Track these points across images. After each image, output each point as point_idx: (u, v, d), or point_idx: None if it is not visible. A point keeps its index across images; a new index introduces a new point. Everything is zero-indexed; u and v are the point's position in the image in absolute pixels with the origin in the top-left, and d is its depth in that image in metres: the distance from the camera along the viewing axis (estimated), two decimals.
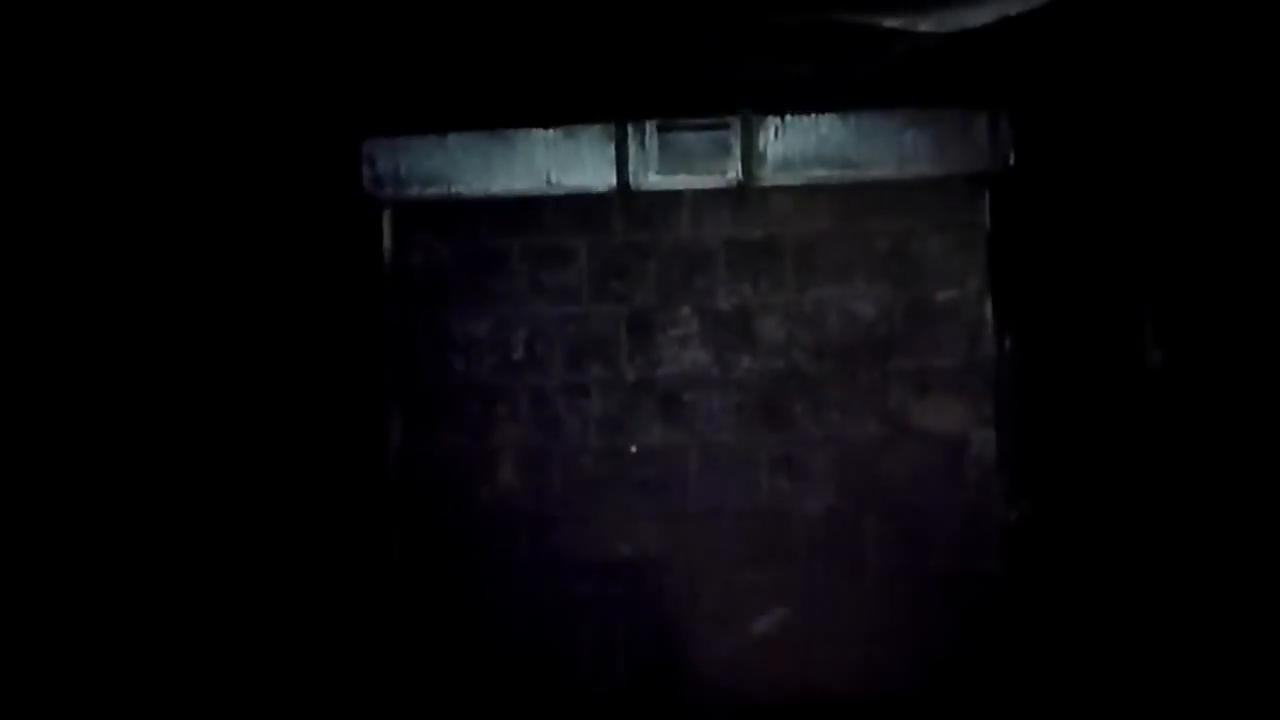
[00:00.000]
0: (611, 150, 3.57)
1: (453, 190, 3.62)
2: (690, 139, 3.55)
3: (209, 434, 3.42)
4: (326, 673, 3.51)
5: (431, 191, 3.63)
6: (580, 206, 3.64)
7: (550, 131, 3.59)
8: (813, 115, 3.52)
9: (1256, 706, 3.02)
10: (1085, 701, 3.37)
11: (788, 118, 3.53)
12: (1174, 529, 3.31)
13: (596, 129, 3.58)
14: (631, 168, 3.57)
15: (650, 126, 3.56)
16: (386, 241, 3.69)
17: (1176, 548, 3.31)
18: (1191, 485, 3.27)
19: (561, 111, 3.58)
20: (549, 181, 3.60)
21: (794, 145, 3.53)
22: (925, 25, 3.44)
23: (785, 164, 3.53)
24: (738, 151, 3.54)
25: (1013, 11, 3.44)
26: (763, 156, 3.53)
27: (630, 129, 3.57)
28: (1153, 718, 3.22)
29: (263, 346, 3.52)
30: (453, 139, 3.62)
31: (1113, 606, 3.42)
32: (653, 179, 3.57)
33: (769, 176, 3.54)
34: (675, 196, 3.61)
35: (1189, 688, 3.19)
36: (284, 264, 3.60)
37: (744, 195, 3.58)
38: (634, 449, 3.62)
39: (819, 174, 3.53)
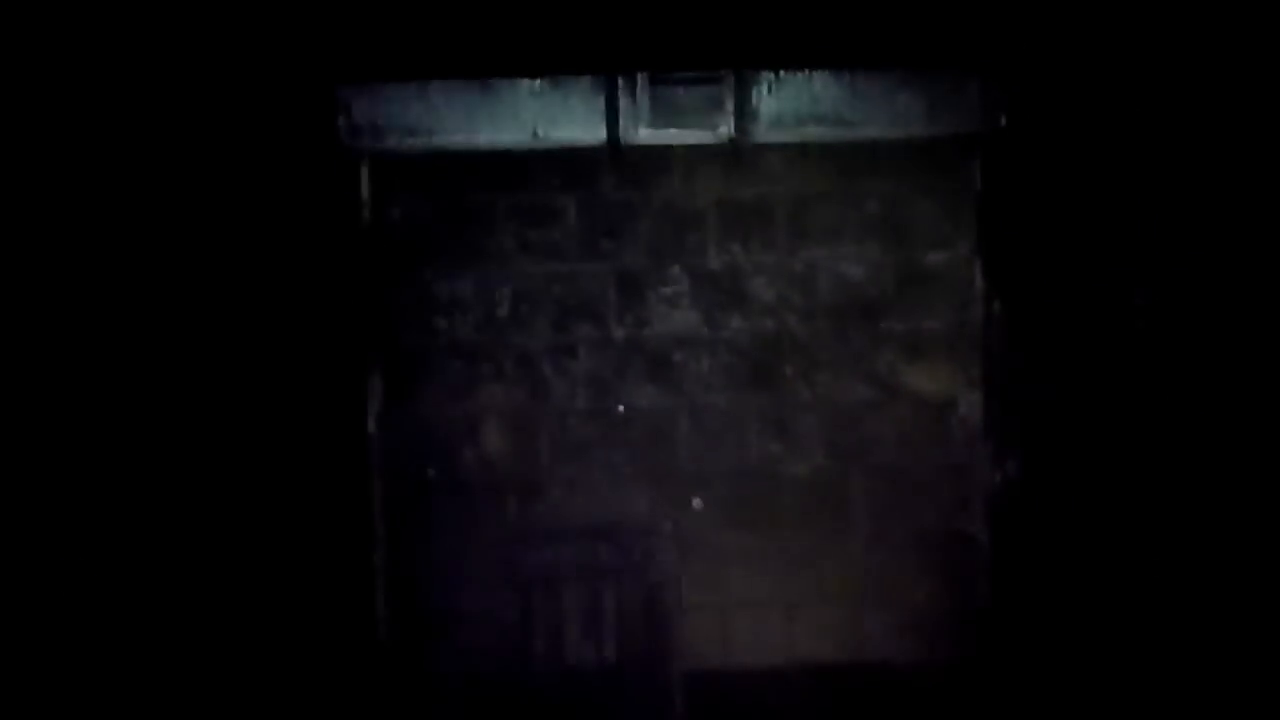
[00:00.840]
0: (601, 103, 3.47)
1: (434, 142, 3.49)
2: (682, 93, 3.47)
3: (177, 399, 3.28)
4: (304, 639, 3.41)
5: (412, 143, 3.49)
6: (568, 161, 3.54)
7: (537, 82, 3.48)
8: (807, 72, 3.46)
9: (1242, 671, 3.09)
10: (1070, 661, 3.42)
11: (782, 74, 3.46)
12: (1160, 493, 3.36)
13: (586, 81, 3.47)
14: (622, 122, 3.47)
15: (642, 79, 3.46)
16: (364, 195, 3.55)
17: (1162, 511, 3.37)
18: (1177, 449, 3.32)
19: (549, 61, 3.46)
20: (535, 135, 3.48)
21: (787, 102, 3.46)
22: None
23: (778, 120, 3.47)
24: (730, 107, 3.46)
25: None
26: (756, 112, 3.46)
27: (621, 82, 3.47)
28: (1138, 680, 3.28)
29: (232, 306, 3.37)
30: (435, 88, 3.48)
31: (1097, 568, 3.47)
32: (643, 134, 3.47)
33: (762, 133, 3.47)
34: (666, 152, 3.53)
35: (1174, 650, 3.25)
36: (254, 217, 3.44)
37: (736, 151, 3.52)
38: (622, 410, 3.57)
39: (812, 131, 3.47)
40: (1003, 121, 3.50)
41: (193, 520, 3.29)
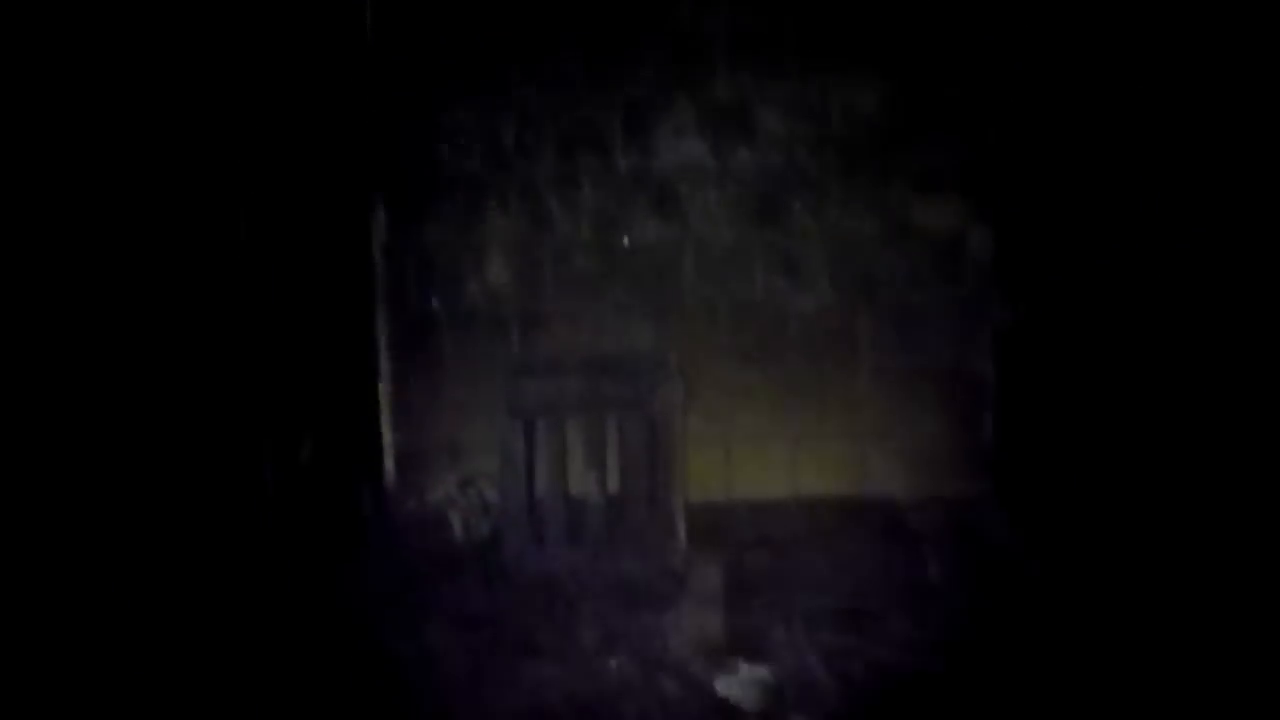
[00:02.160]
0: None
1: None
2: None
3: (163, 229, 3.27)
4: (310, 472, 3.45)
5: None
6: None
7: None
8: None
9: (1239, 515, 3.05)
10: (1072, 499, 3.40)
11: None
12: (1170, 334, 3.29)
13: None
14: None
15: None
16: (368, 19, 3.48)
17: (1172, 353, 3.30)
18: (1189, 296, 3.25)
19: None
20: None
21: None
22: None
23: None
24: None
25: None
26: None
27: None
28: (1138, 515, 3.25)
29: (228, 133, 3.34)
30: None
31: (1102, 408, 3.43)
32: None
33: None
34: None
35: (1175, 487, 3.22)
36: (258, 36, 3.40)
37: None
38: (627, 243, 3.53)
39: None
40: None
41: (188, 350, 3.31)
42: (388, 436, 3.62)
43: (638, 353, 3.52)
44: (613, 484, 3.37)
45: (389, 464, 3.63)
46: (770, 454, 3.60)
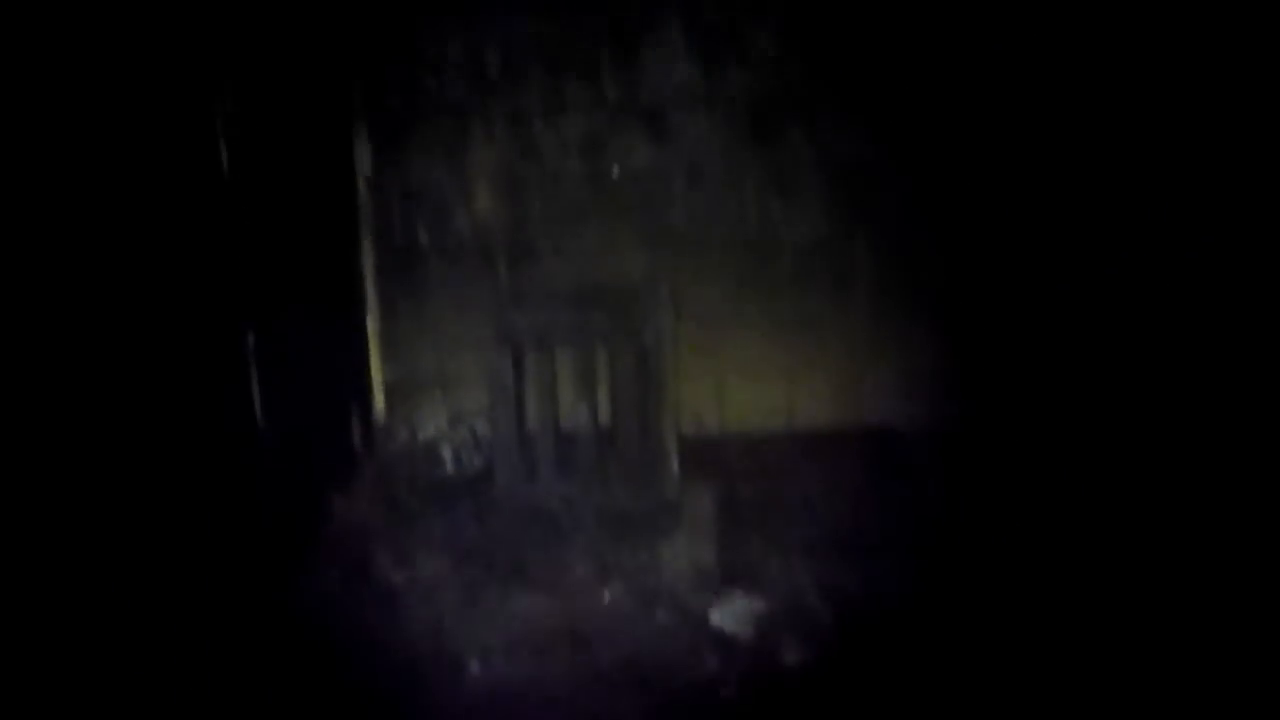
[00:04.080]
0: None
1: None
2: None
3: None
4: (299, 405, 3.42)
5: None
6: None
7: None
8: None
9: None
10: (1067, 427, 3.37)
11: None
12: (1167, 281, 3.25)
13: None
14: None
15: None
16: None
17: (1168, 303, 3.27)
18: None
19: None
20: None
21: None
22: None
23: None
24: None
25: None
26: None
27: None
28: (1132, 447, 3.23)
29: (205, 64, 3.26)
30: None
31: (1104, 337, 3.40)
32: None
33: None
34: None
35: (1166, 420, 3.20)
36: None
37: None
38: (616, 172, 3.46)
39: None
40: None
41: (171, 278, 3.25)
42: (376, 369, 3.58)
43: (628, 282, 3.47)
44: (604, 415, 3.34)
45: (378, 397, 3.59)
46: (764, 385, 3.56)
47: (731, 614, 2.65)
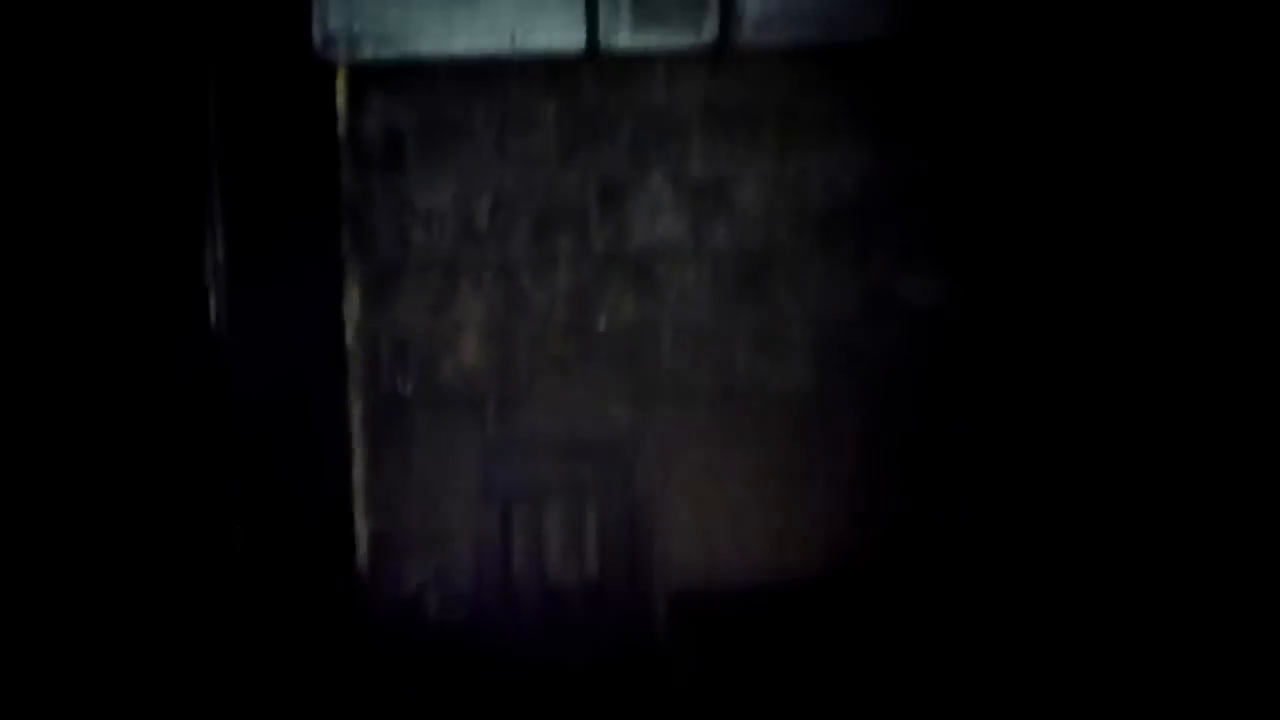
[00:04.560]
0: (580, 7, 3.35)
1: (411, 50, 3.39)
2: None
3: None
4: (285, 561, 3.38)
5: (388, 51, 3.39)
6: (547, 68, 3.42)
7: None
8: None
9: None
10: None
11: None
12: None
13: None
14: (602, 26, 3.35)
15: None
16: (341, 105, 3.46)
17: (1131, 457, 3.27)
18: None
19: None
20: (513, 40, 3.37)
21: (774, 3, 3.33)
22: None
23: (765, 23, 3.34)
24: (715, 9, 3.34)
25: None
26: (741, 15, 3.33)
27: None
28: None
29: (205, 219, 3.32)
30: None
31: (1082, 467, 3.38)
32: (624, 38, 3.36)
33: (747, 36, 3.34)
34: (648, 58, 3.40)
35: None
36: (229, 131, 3.38)
37: (721, 56, 3.40)
38: (604, 324, 3.48)
39: (800, 33, 3.34)
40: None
41: (169, 435, 3.26)
42: (361, 520, 3.53)
43: (616, 435, 3.45)
44: (591, 568, 3.30)
45: (362, 550, 3.54)
46: (754, 538, 3.52)
47: None
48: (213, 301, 3.34)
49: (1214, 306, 3.26)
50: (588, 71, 3.42)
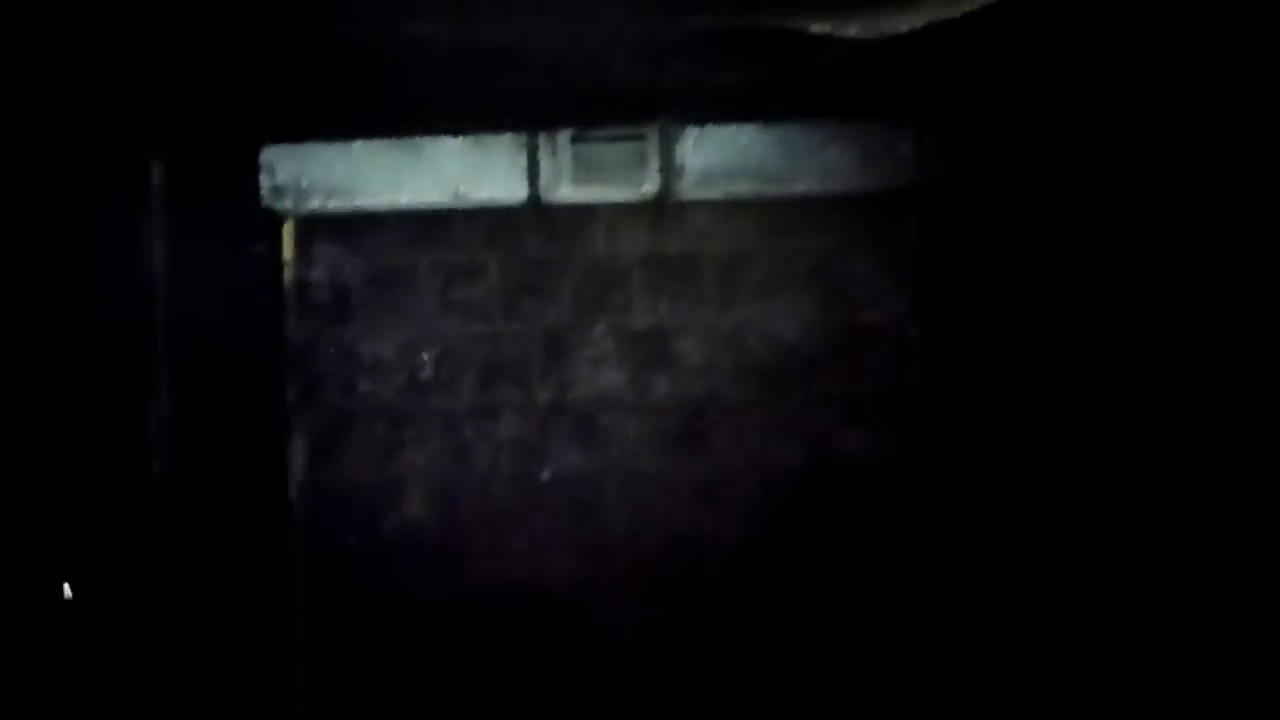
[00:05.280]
0: (523, 161, 3.40)
1: (358, 202, 3.43)
2: (605, 150, 3.38)
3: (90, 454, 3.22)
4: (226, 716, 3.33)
5: (335, 204, 3.44)
6: (491, 220, 3.46)
7: (459, 141, 3.42)
8: (734, 126, 3.37)
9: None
10: None
11: (707, 128, 3.37)
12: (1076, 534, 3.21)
13: (508, 139, 3.41)
14: (544, 180, 3.39)
15: (563, 136, 3.39)
16: (287, 255, 3.49)
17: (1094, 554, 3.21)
18: (1112, 506, 3.17)
19: (470, 120, 3.39)
20: (458, 194, 3.41)
21: (714, 158, 3.37)
22: (853, 30, 3.29)
23: (704, 177, 3.37)
24: (655, 164, 3.37)
25: (943, 17, 3.30)
26: (681, 169, 3.37)
27: (542, 139, 3.39)
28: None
29: (148, 364, 3.32)
30: (357, 147, 3.43)
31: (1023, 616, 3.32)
32: (566, 192, 3.39)
33: (687, 190, 3.38)
34: (590, 210, 3.44)
35: None
36: (174, 279, 3.40)
37: (661, 210, 3.42)
38: (547, 476, 3.46)
39: (740, 188, 3.37)
40: (939, 175, 3.38)
41: (114, 585, 3.23)
42: (300, 679, 3.49)
43: (560, 588, 3.42)
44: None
45: (300, 709, 3.49)
46: (702, 690, 3.46)
47: None
48: (155, 458, 3.34)
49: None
50: (530, 223, 3.45)
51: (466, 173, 3.41)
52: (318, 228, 3.49)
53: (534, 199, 3.39)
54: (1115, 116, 3.21)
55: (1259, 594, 2.45)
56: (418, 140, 3.42)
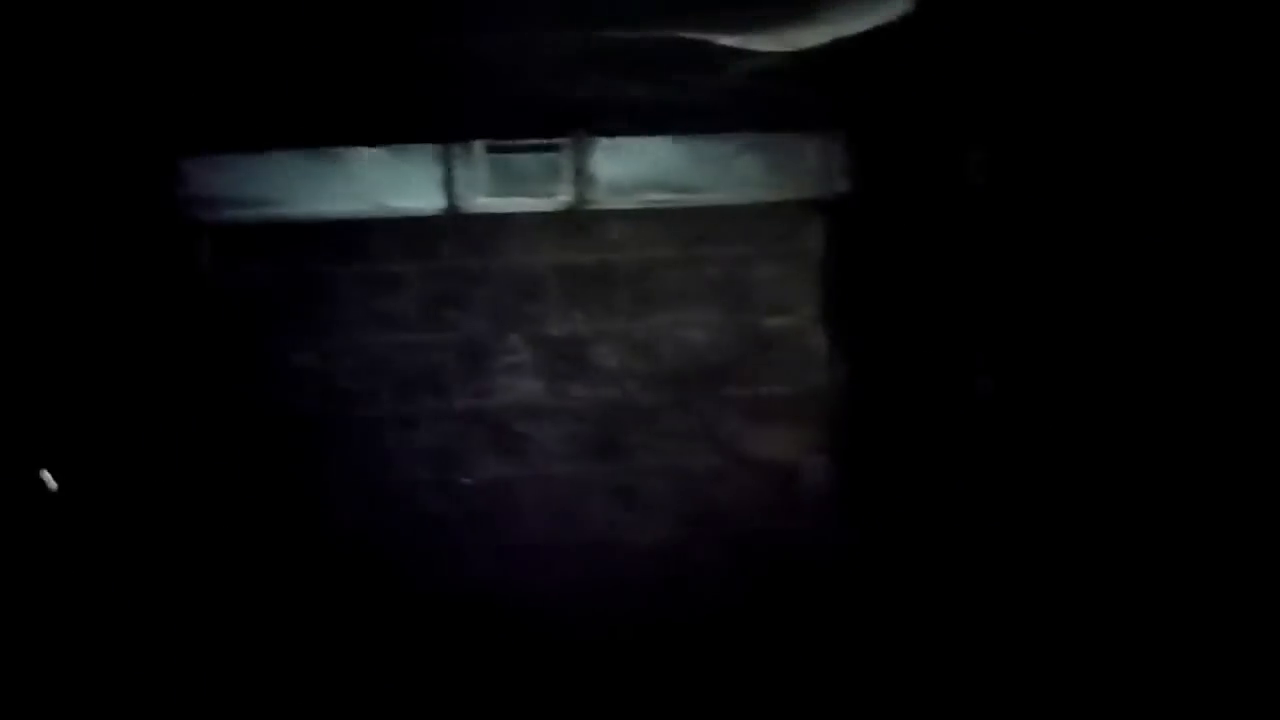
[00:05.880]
0: (440, 172, 3.45)
1: (275, 213, 3.45)
2: (520, 161, 3.44)
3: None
4: None
5: (253, 213, 3.45)
6: (409, 230, 3.50)
7: (377, 151, 3.45)
8: (646, 138, 3.45)
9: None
10: None
11: (621, 140, 3.45)
12: (1006, 556, 3.31)
13: (425, 149, 3.45)
14: (460, 190, 3.44)
15: (479, 147, 3.44)
16: (204, 266, 3.50)
17: (1008, 567, 3.31)
18: (1018, 510, 3.28)
19: (387, 131, 3.43)
20: (376, 204, 3.45)
21: (627, 168, 3.45)
22: (762, 44, 3.38)
23: (617, 187, 3.45)
24: (569, 174, 3.45)
25: (849, 32, 3.40)
26: (594, 179, 3.44)
27: (459, 150, 3.44)
28: None
29: (59, 376, 3.31)
30: (275, 158, 3.45)
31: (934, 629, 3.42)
32: (482, 202, 3.45)
33: (601, 200, 3.45)
34: (506, 220, 3.49)
35: None
36: (88, 290, 3.39)
37: (576, 219, 3.49)
38: (467, 482, 3.51)
39: (652, 198, 3.46)
40: (846, 186, 3.49)
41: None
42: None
43: (480, 592, 3.46)
44: None
45: None
46: (619, 690, 3.52)
47: None
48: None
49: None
50: (449, 233, 3.50)
51: (386, 183, 3.44)
52: (235, 238, 3.49)
53: (452, 209, 3.44)
54: (1007, 125, 3.33)
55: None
56: (338, 150, 3.45)
